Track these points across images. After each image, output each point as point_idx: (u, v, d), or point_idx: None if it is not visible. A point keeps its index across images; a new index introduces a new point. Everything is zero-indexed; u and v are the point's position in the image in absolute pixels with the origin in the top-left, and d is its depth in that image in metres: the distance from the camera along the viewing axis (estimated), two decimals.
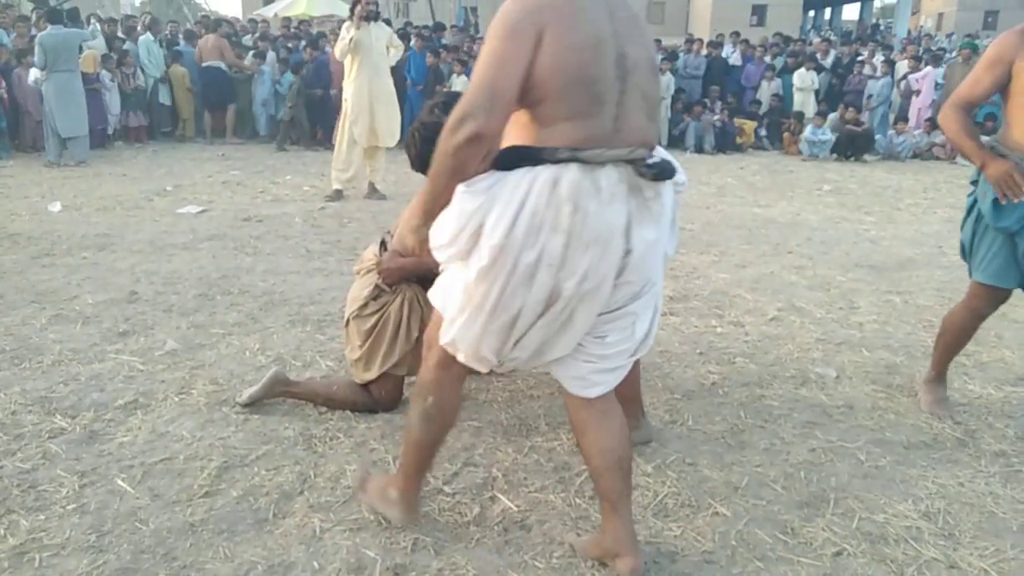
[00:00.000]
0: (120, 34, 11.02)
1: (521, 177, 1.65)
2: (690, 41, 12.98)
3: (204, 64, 10.55)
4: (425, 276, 2.52)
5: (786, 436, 2.73)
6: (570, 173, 1.63)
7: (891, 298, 4.37)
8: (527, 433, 2.72)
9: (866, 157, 10.77)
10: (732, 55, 13.13)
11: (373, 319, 2.75)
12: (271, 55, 11.33)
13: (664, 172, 1.73)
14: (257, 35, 12.70)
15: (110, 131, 10.03)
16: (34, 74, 8.64)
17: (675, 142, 11.35)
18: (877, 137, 11.04)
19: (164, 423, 2.72)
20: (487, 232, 1.66)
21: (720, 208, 7.03)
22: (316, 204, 6.78)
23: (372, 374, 2.75)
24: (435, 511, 2.23)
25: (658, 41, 14.62)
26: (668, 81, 11.41)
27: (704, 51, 12.63)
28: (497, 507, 2.26)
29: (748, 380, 3.21)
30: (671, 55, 12.17)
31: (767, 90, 12.19)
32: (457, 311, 1.78)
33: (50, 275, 4.48)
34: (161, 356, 3.32)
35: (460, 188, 1.70)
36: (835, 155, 10.74)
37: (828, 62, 12.71)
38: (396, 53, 7.08)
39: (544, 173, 1.64)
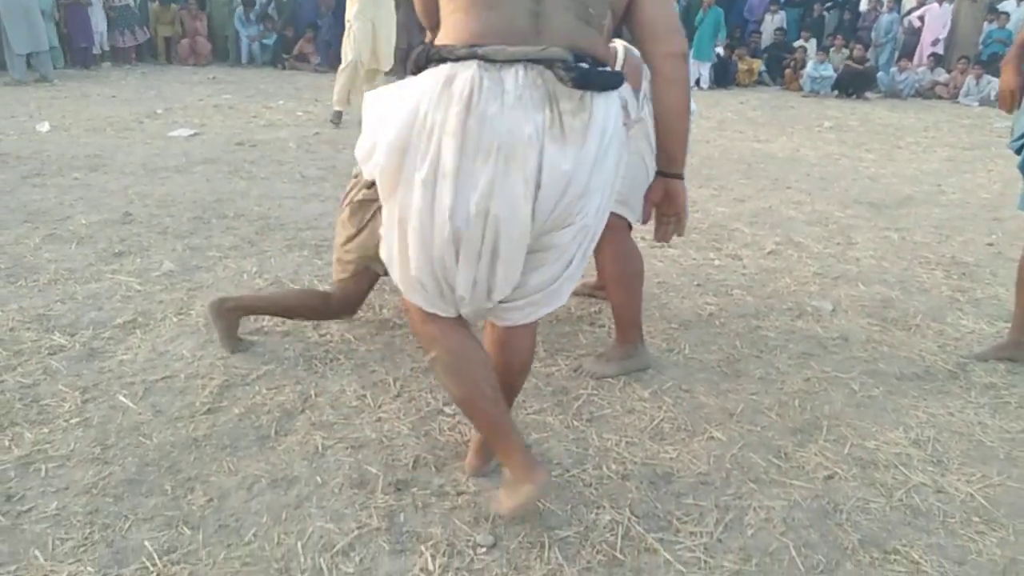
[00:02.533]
0: None
1: (420, 79, 1.51)
2: None
3: None
4: None
5: (781, 366, 2.77)
6: (467, 70, 1.46)
7: (889, 234, 4.38)
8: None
9: (868, 95, 10.64)
10: None
11: (374, 206, 2.47)
12: None
13: (590, 80, 1.48)
14: None
15: (96, 50, 9.76)
16: None
17: None
18: (879, 74, 10.89)
19: (164, 342, 2.72)
20: (381, 139, 1.54)
21: (719, 143, 6.97)
22: (310, 129, 6.68)
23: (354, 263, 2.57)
24: (436, 430, 2.26)
25: None
26: (715, 13, 11.16)
27: None
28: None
29: (745, 312, 3.23)
30: None
31: (770, 24, 11.94)
32: (387, 248, 1.69)
33: (41, 195, 4.42)
34: (158, 277, 3.30)
35: (367, 97, 1.61)
36: (836, 92, 10.60)
37: None
38: None
39: (440, 71, 1.48)
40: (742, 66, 11.11)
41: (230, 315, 2.68)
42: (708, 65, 10.81)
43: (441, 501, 1.96)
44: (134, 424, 2.23)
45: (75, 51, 9.63)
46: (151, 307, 3.00)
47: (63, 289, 3.13)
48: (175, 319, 2.91)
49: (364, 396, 2.42)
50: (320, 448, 2.14)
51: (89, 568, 1.68)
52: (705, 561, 1.79)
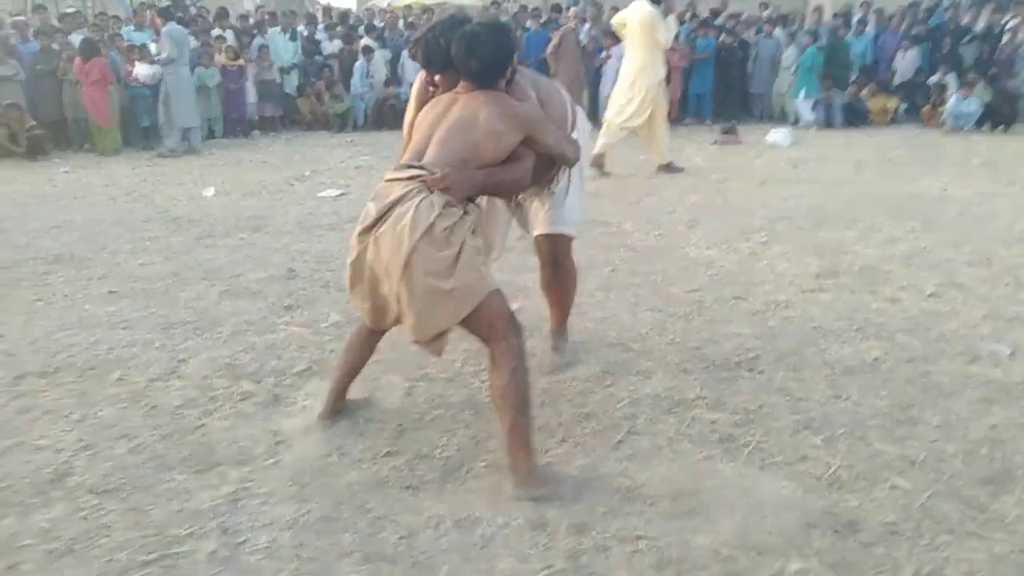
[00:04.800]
0: (253, 30, 11.58)
1: None
2: (818, 10, 12.45)
3: None
4: (498, 190, 2.47)
5: (961, 412, 2.63)
6: None
7: None
8: (686, 406, 2.74)
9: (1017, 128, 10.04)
10: (862, 26, 12.40)
11: (456, 246, 2.16)
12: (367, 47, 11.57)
13: None
14: (364, 25, 13.00)
15: (248, 121, 10.62)
16: (148, 69, 9.08)
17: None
18: None
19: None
20: None
21: (860, 184, 6.75)
22: None
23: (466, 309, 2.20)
24: (607, 475, 2.29)
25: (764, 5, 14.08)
26: (790, 53, 11.03)
27: (828, 21, 12.08)
28: (662, 471, 2.30)
29: (912, 356, 3.10)
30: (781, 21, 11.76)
31: (903, 60, 11.52)
32: None
33: (214, 254, 4.82)
34: (326, 328, 3.53)
35: None
36: (981, 127, 10.06)
37: (979, 28, 11.88)
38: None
39: None
40: (874, 105, 10.75)
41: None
42: (809, 103, 10.71)
43: (622, 545, 1.98)
44: (323, 465, 2.38)
45: (229, 121, 10.50)
46: (323, 356, 3.20)
47: (245, 340, 3.40)
48: None
49: None
50: (498, 489, 2.21)
51: None
52: None
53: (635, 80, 7.05)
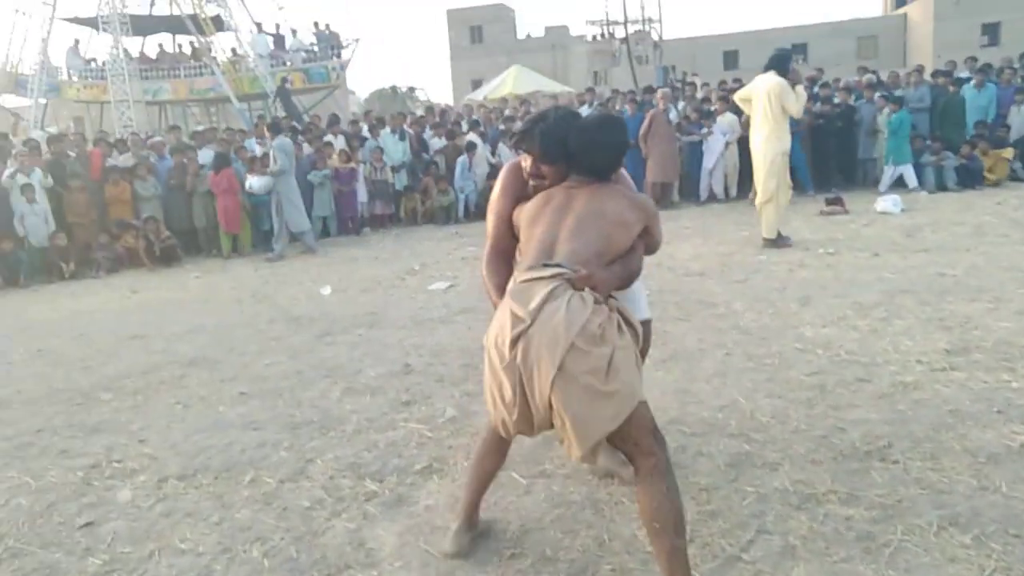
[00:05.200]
0: (365, 133, 12.31)
1: None
2: (919, 71, 12.15)
3: None
4: (628, 282, 2.45)
5: None
6: None
7: None
8: (817, 500, 2.62)
9: None
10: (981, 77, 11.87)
11: (611, 345, 2.07)
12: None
13: None
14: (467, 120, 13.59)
15: (359, 218, 11.20)
16: (261, 180, 9.52)
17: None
18: None
19: (458, 487, 2.93)
20: None
21: (982, 249, 6.42)
22: None
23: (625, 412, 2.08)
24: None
25: (874, 72, 13.84)
26: (900, 117, 10.75)
27: (928, 79, 11.74)
28: (798, 575, 2.20)
29: None
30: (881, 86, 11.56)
31: (1019, 115, 11.03)
32: None
33: (334, 352, 5.04)
34: (443, 423, 3.60)
35: None
36: None
37: None
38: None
39: None
40: (989, 163, 10.28)
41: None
42: (908, 166, 10.38)
43: None
44: (450, 568, 2.40)
45: (342, 220, 11.09)
46: (443, 453, 3.27)
47: (366, 438, 3.51)
48: (465, 463, 3.13)
49: None
50: None
51: None
52: None
53: (761, 153, 7.19)
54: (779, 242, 7.27)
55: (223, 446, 3.55)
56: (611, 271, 2.29)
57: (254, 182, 9.69)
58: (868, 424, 3.19)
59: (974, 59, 13.21)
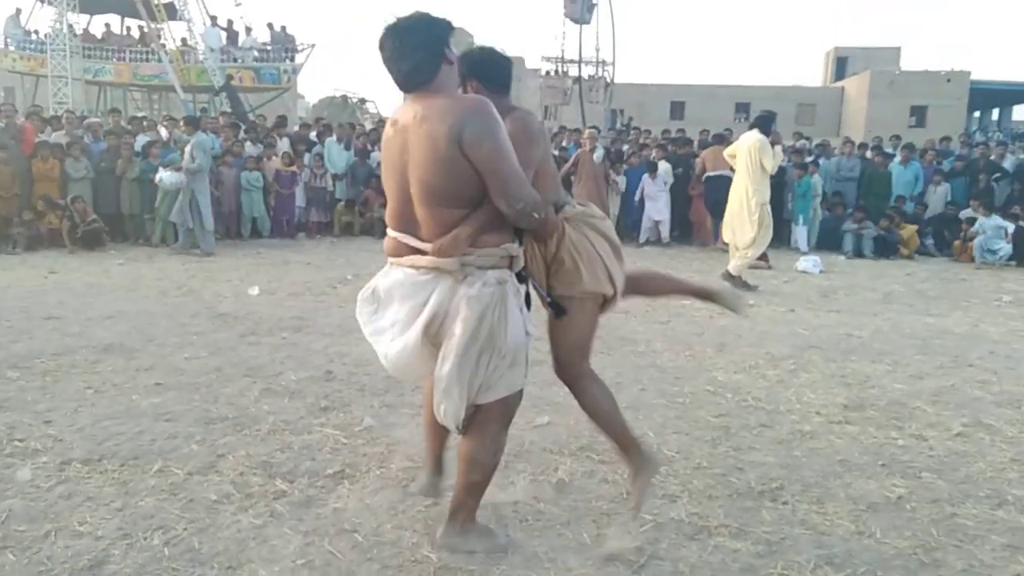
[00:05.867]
0: (313, 137, 12.26)
1: None
2: (850, 143, 12.85)
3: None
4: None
5: (985, 559, 2.63)
6: None
7: None
8: (709, 532, 2.77)
9: None
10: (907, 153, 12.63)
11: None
12: None
13: None
14: None
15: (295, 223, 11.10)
16: (173, 176, 9.32)
17: (830, 244, 11.14)
18: None
19: (369, 493, 2.98)
20: None
21: (888, 316, 6.82)
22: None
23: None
24: None
25: (807, 139, 14.56)
26: (816, 181, 11.38)
27: (857, 152, 12.45)
28: None
29: (937, 497, 3.10)
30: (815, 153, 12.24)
31: (935, 194, 11.77)
32: None
33: (256, 352, 5.00)
34: (360, 431, 3.64)
35: None
36: (1014, 262, 10.16)
37: (1008, 165, 12.16)
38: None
39: None
40: (903, 234, 10.93)
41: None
42: (803, 228, 11.24)
43: None
44: (349, 569, 2.44)
45: (278, 222, 10.99)
46: (356, 459, 3.30)
47: (281, 439, 3.51)
48: (377, 472, 3.18)
49: (552, 561, 2.53)
50: None
51: None
52: None
53: (745, 202, 7.77)
54: (742, 284, 7.74)
55: (133, 434, 3.50)
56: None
57: (164, 176, 9.44)
58: (764, 466, 3.37)
59: (898, 137, 14.05)
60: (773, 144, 7.78)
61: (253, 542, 2.59)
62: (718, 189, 11.09)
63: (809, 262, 9.46)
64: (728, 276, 7.85)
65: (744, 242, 7.86)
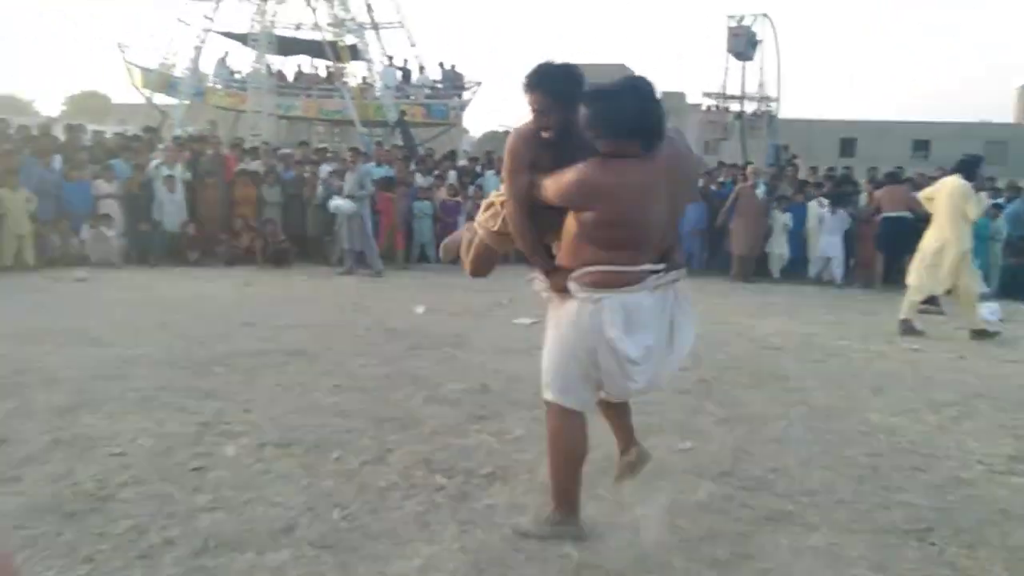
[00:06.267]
0: (478, 169, 12.97)
1: None
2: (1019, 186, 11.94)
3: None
4: None
5: None
6: None
7: None
8: (847, 563, 2.80)
9: None
10: None
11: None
12: None
13: None
14: None
15: None
16: (347, 204, 9.98)
17: (1014, 293, 10.34)
18: None
19: (519, 494, 3.24)
20: None
21: None
22: None
23: None
24: None
25: (991, 179, 13.59)
26: (999, 224, 10.64)
27: None
28: None
29: None
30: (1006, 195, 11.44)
31: None
32: None
33: (420, 364, 5.45)
34: (511, 439, 3.92)
35: None
36: None
37: None
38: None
39: None
40: None
41: None
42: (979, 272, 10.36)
43: None
44: (499, 556, 2.70)
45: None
46: (508, 463, 3.58)
47: (441, 440, 3.86)
48: (526, 476, 3.44)
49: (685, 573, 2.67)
50: None
51: None
52: None
53: (941, 248, 7.37)
54: (982, 335, 7.40)
55: (315, 426, 3.98)
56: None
57: (341, 203, 10.24)
58: (914, 508, 3.32)
59: None
60: (977, 191, 7.39)
61: (415, 525, 2.92)
62: (894, 230, 10.68)
63: (987, 309, 8.84)
64: (975, 334, 7.43)
65: (943, 286, 7.46)
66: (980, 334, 7.39)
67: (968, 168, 7.42)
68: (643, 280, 2.63)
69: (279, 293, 8.42)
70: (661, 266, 2.68)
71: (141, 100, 25.93)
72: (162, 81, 24.56)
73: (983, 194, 7.52)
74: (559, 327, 2.75)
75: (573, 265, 2.67)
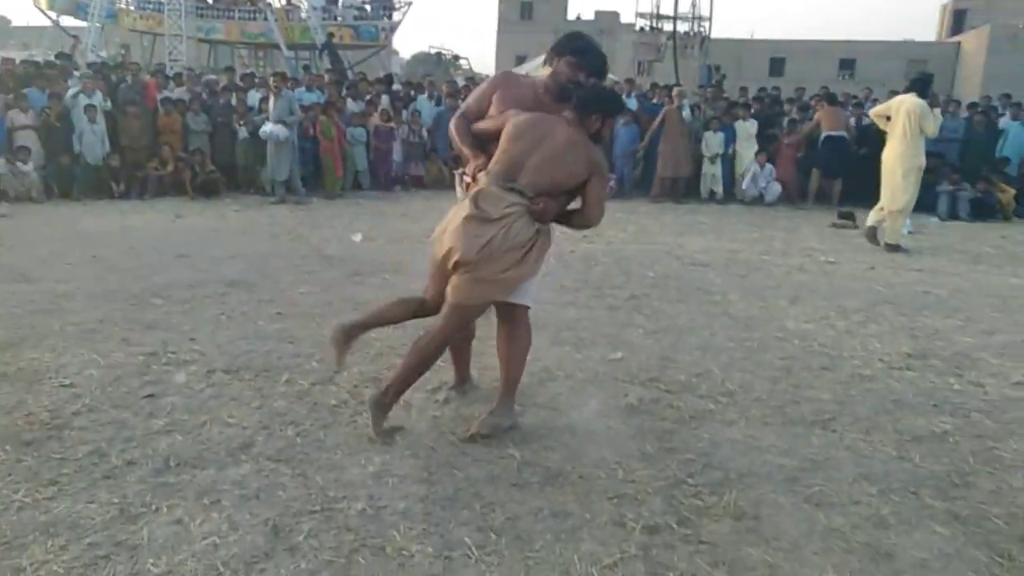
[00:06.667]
0: (412, 93, 12.79)
1: None
2: (950, 102, 12.46)
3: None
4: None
5: (1016, 483, 2.89)
6: None
7: None
8: (760, 451, 3.12)
9: None
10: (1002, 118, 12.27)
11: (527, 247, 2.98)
12: None
13: None
14: None
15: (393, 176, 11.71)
16: (280, 130, 9.79)
17: (925, 206, 10.93)
18: None
19: (464, 405, 3.46)
20: None
21: (972, 276, 6.83)
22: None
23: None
24: (680, 494, 2.72)
25: None
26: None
27: (965, 113, 12.07)
28: (731, 497, 2.70)
29: (981, 433, 3.35)
30: None
31: None
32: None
33: (362, 290, 5.57)
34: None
35: None
36: None
37: None
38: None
39: None
40: (1003, 197, 10.62)
41: (350, 339, 3.32)
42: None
43: (686, 545, 2.41)
44: (447, 460, 2.93)
45: (376, 176, 11.62)
46: (452, 379, 3.78)
47: (388, 360, 4.04)
48: (468, 389, 3.65)
49: (619, 464, 2.95)
50: (588, 495, 2.69)
51: (428, 548, 2.33)
52: None
53: (895, 166, 7.80)
54: (900, 249, 7.87)
55: (262, 352, 4.10)
56: (555, 204, 3.05)
57: (274, 129, 9.98)
58: (820, 402, 3.68)
59: (1008, 96, 13.47)
60: (932, 107, 7.83)
61: (367, 439, 3.11)
62: (835, 149, 11.13)
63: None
64: (889, 247, 7.88)
65: (899, 206, 7.86)
66: (895, 248, 7.87)
67: (922, 86, 7.89)
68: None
69: (212, 224, 8.33)
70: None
71: (46, 23, 24.40)
72: (70, 2, 23.11)
73: (937, 110, 8.08)
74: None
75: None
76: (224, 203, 10.00)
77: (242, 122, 10.64)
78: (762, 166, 11.46)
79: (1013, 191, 10.86)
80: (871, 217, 8.16)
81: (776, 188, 11.49)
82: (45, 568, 2.20)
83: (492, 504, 2.62)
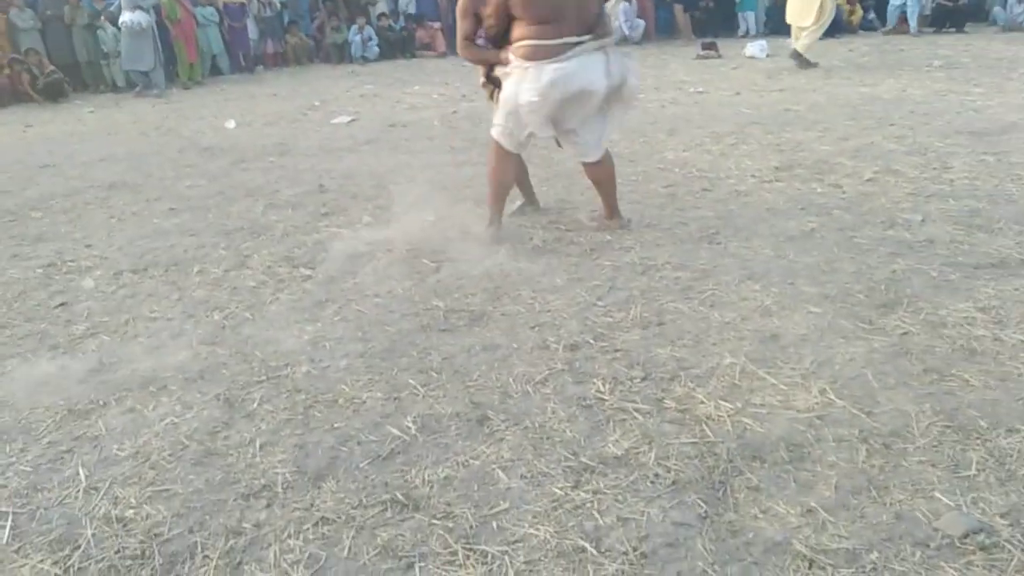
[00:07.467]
0: None
1: None
2: None
3: None
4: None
5: (872, 263, 3.35)
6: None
7: (986, 158, 4.77)
8: (656, 268, 3.45)
9: (990, 30, 10.52)
10: None
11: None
12: None
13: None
14: None
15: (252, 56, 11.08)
16: (141, 16, 9.20)
17: (780, 28, 11.40)
18: (995, 9, 10.73)
19: (381, 268, 3.61)
20: None
21: (826, 90, 7.34)
22: (449, 109, 7.56)
23: None
24: (592, 315, 3.02)
25: None
26: None
27: None
28: (635, 311, 3.03)
29: (842, 226, 3.80)
30: None
31: None
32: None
33: (251, 176, 5.48)
34: (361, 227, 4.22)
35: None
36: (933, 28, 10.64)
37: None
38: None
39: None
40: (847, 11, 11.20)
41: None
42: (751, 13, 12.00)
43: (604, 355, 2.72)
44: (376, 319, 3.11)
45: (235, 57, 10.98)
46: (363, 248, 3.91)
47: (294, 239, 4.10)
48: (383, 255, 3.79)
49: (535, 298, 3.21)
50: (513, 327, 2.95)
51: (378, 394, 2.55)
52: (801, 383, 2.46)
53: None
54: (807, 63, 8.39)
55: (166, 248, 4.07)
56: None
57: (135, 17, 9.30)
58: (704, 219, 4.04)
59: None
60: None
61: (295, 311, 3.23)
62: None
63: (756, 47, 9.80)
64: (796, 55, 8.40)
65: (807, 22, 8.26)
66: (804, 62, 8.40)
67: None
68: (564, 52, 3.39)
69: (68, 129, 7.78)
70: (586, 37, 3.42)
71: None
72: None
73: None
74: (506, 88, 3.57)
75: (511, 43, 3.51)
76: (75, 105, 9.29)
77: (102, 17, 9.69)
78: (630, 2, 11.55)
79: (860, 12, 11.45)
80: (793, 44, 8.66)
81: (640, 24, 11.64)
82: (12, 469, 2.29)
83: (427, 349, 2.84)
